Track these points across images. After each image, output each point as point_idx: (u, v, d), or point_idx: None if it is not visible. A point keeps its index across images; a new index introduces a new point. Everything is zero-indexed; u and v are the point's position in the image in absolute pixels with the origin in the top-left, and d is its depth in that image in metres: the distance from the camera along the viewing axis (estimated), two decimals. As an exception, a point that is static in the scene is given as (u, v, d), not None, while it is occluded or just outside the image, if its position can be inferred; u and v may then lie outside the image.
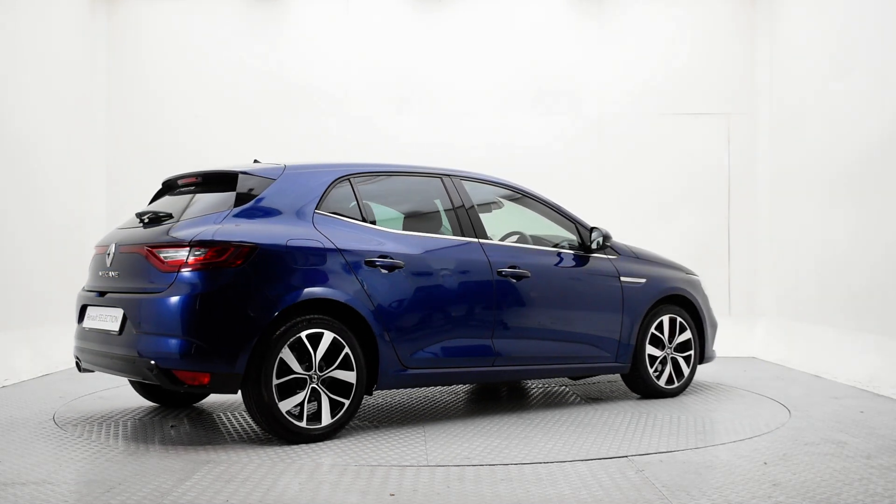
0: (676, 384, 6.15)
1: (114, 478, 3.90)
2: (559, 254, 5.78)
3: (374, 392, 5.33)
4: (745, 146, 9.64)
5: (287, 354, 4.49)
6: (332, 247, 4.72)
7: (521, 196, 5.94)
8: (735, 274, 9.39)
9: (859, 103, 7.54)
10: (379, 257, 4.87)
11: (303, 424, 4.55)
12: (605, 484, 3.80)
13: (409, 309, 4.95)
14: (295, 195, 4.84)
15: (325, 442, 4.66)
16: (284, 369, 4.49)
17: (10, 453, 4.42)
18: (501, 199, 6.04)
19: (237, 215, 4.63)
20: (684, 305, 6.28)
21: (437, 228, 5.43)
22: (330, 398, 4.63)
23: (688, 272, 6.47)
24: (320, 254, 4.67)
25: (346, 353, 4.66)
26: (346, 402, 4.67)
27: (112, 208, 9.40)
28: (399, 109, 9.75)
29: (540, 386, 6.77)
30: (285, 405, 4.50)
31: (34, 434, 4.92)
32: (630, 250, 6.12)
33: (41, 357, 7.53)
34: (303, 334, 4.53)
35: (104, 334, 4.79)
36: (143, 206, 5.45)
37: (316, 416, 4.62)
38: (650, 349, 6.02)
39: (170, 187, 5.41)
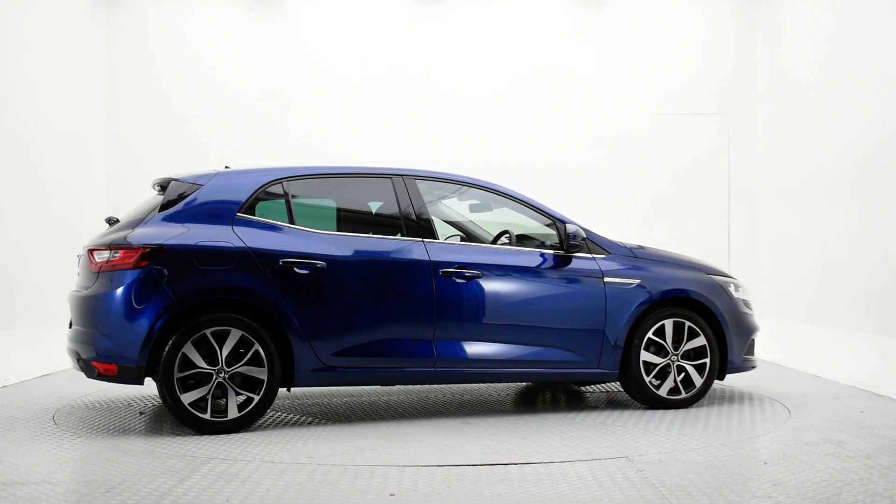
0: (683, 395, 5.64)
1: (114, 478, 3.90)
2: (527, 253, 5.53)
3: (293, 389, 5.51)
4: (744, 146, 9.64)
5: (190, 350, 4.77)
6: (244, 247, 4.93)
7: (492, 194, 5.72)
8: (735, 274, 9.38)
9: (858, 103, 7.54)
10: (297, 258, 4.99)
11: (206, 416, 4.81)
12: (605, 484, 3.80)
13: (329, 308, 5.03)
14: (219, 199, 5.09)
15: (324, 440, 4.66)
16: (189, 364, 4.78)
17: (10, 453, 4.42)
18: (485, 200, 5.88)
19: (162, 219, 5.00)
20: (699, 309, 5.77)
21: (377, 229, 5.44)
22: (237, 393, 4.85)
23: (709, 272, 5.89)
24: (230, 254, 4.90)
25: (257, 350, 4.86)
26: (256, 398, 4.88)
27: (112, 210, 9.39)
28: (401, 109, 9.75)
29: (540, 388, 6.76)
30: (188, 397, 4.78)
31: (34, 434, 4.91)
32: (628, 249, 5.75)
33: (41, 357, 7.53)
34: (208, 331, 4.80)
35: (68, 328, 5.36)
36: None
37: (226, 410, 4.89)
38: (648, 356, 5.58)
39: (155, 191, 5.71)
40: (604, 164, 9.73)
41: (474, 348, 5.32)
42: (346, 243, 5.18)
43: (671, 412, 5.55)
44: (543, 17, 9.80)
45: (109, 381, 4.85)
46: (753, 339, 5.99)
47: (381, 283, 5.16)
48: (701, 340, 5.69)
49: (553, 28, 9.80)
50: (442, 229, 5.89)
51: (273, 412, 5.59)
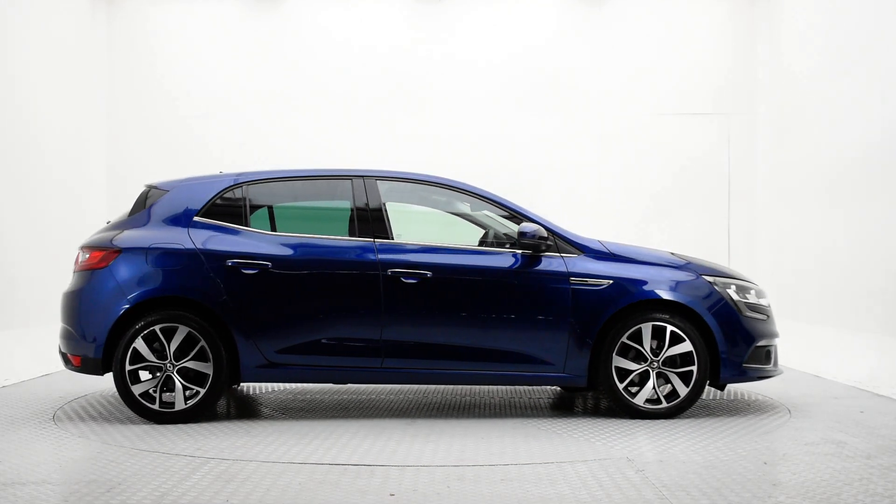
0: (664, 404, 5.27)
1: (114, 478, 3.90)
2: (485, 252, 5.42)
3: (240, 385, 5.72)
4: (744, 146, 9.64)
5: (140, 344, 5.12)
6: (193, 249, 5.25)
7: (457, 192, 5.62)
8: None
9: (859, 104, 7.55)
10: (243, 258, 5.23)
11: (155, 406, 5.14)
12: (605, 484, 3.81)
13: (272, 307, 5.23)
14: (179, 204, 5.44)
15: (323, 439, 4.66)
16: (140, 357, 5.13)
17: (10, 453, 4.42)
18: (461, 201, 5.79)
19: (131, 223, 5.46)
20: (686, 312, 5.35)
21: (331, 229, 5.52)
22: (184, 386, 5.15)
23: (703, 272, 5.46)
24: (180, 256, 5.25)
25: (203, 346, 5.14)
26: (202, 391, 5.15)
27: (111, 210, 9.39)
28: (401, 109, 9.75)
29: (538, 388, 6.76)
30: (139, 388, 5.13)
31: (34, 434, 4.92)
32: (604, 248, 5.45)
33: (41, 357, 7.53)
34: (157, 327, 5.13)
35: None
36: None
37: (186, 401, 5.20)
38: (622, 361, 5.27)
39: None
40: (604, 164, 9.74)
41: (423, 349, 5.28)
42: (294, 244, 5.36)
43: (671, 412, 5.53)
44: (544, 17, 9.80)
45: (79, 371, 5.28)
46: (765, 347, 5.50)
47: (327, 282, 5.27)
48: (685, 346, 5.28)
49: (553, 28, 9.81)
50: (473, 232, 5.86)
51: (271, 411, 5.60)
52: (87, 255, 5.35)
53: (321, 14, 9.85)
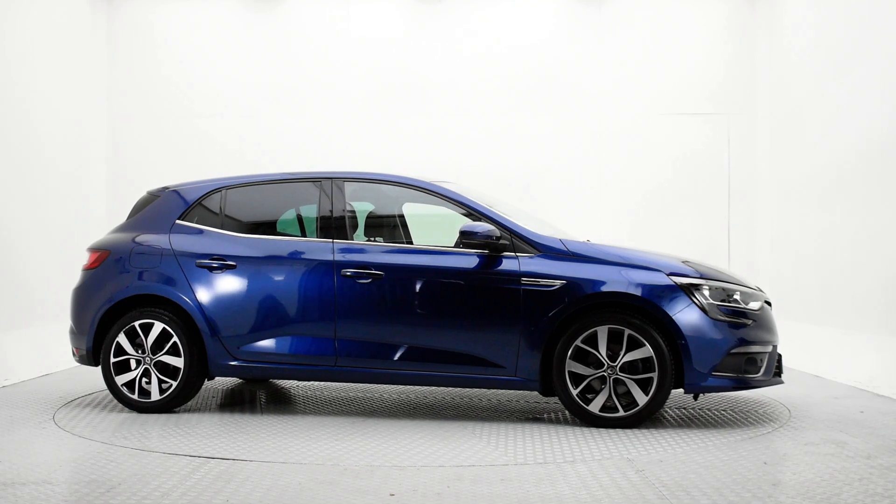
0: (622, 413, 4.98)
1: (114, 478, 3.91)
2: (440, 252, 5.32)
3: (212, 379, 5.85)
4: (745, 146, 9.64)
5: (122, 339, 5.53)
6: (169, 250, 5.62)
7: (423, 193, 5.54)
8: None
9: (859, 103, 7.55)
10: (211, 259, 5.53)
11: (134, 396, 5.51)
12: (605, 484, 3.81)
13: (236, 305, 5.47)
14: (166, 209, 5.82)
15: (323, 439, 4.67)
16: (122, 351, 5.54)
17: (10, 453, 4.43)
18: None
19: (126, 226, 5.92)
20: (650, 316, 5.02)
21: (296, 230, 5.82)
22: (159, 378, 5.48)
23: (672, 272, 5.08)
24: (158, 257, 5.64)
25: (175, 342, 5.47)
26: (174, 384, 5.45)
27: (112, 209, 9.40)
28: (402, 109, 9.76)
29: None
30: (121, 378, 5.52)
31: (34, 434, 4.92)
32: (564, 246, 5.20)
33: (41, 357, 7.53)
34: (136, 323, 5.53)
35: None
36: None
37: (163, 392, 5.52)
38: (576, 366, 5.02)
39: None
40: (603, 163, 9.75)
41: (374, 348, 5.30)
42: (259, 245, 5.57)
43: (670, 412, 5.54)
44: (543, 17, 9.81)
45: (79, 363, 5.76)
46: (748, 353, 5.08)
47: (286, 281, 5.44)
48: (645, 352, 4.94)
49: (553, 27, 9.82)
50: (452, 231, 5.84)
51: (271, 410, 5.60)
52: (88, 256, 5.86)
53: (325, 12, 9.86)
